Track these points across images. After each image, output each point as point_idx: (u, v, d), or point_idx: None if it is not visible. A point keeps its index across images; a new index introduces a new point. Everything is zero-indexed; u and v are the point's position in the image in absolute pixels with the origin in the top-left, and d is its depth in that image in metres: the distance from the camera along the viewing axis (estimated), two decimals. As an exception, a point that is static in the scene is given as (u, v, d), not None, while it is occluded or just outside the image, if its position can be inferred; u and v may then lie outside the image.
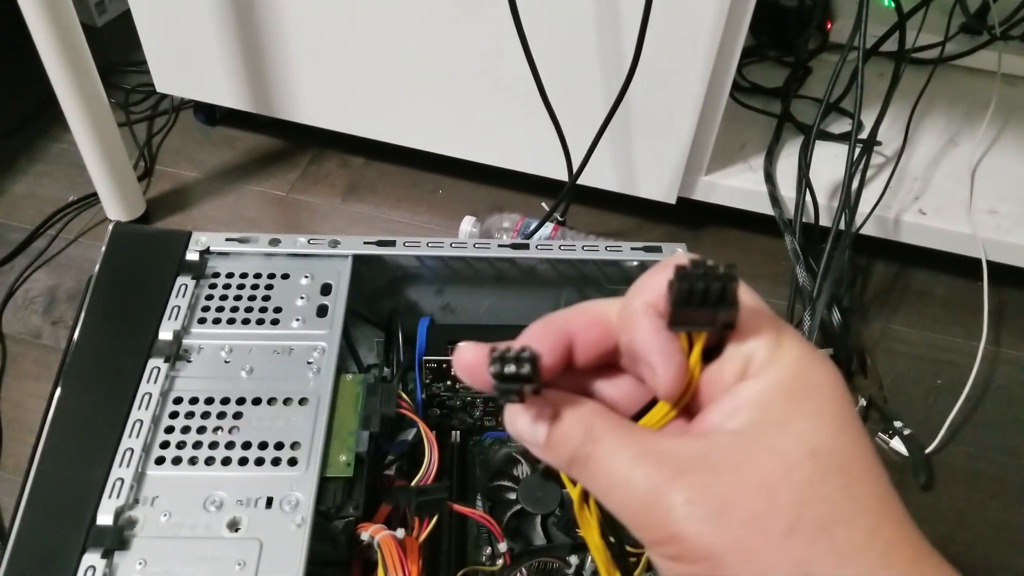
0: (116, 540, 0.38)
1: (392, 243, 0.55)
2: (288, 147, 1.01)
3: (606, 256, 0.56)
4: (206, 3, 0.84)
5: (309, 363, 0.48)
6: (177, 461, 0.42)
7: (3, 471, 0.68)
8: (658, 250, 0.56)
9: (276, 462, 0.42)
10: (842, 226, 0.80)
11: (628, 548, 0.26)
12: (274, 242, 0.54)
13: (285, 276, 0.53)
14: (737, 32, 0.73)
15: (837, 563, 0.17)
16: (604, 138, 0.78)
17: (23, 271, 0.84)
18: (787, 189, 0.87)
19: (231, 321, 0.50)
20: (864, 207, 0.83)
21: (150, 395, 0.45)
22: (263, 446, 0.43)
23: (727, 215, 0.92)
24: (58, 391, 0.45)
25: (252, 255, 0.54)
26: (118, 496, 0.40)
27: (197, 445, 0.43)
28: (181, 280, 0.51)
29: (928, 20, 0.84)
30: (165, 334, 0.48)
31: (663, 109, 0.80)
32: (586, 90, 0.80)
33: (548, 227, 0.84)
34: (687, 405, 0.21)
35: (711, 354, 0.20)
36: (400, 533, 0.41)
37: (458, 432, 0.54)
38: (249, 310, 0.51)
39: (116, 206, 0.87)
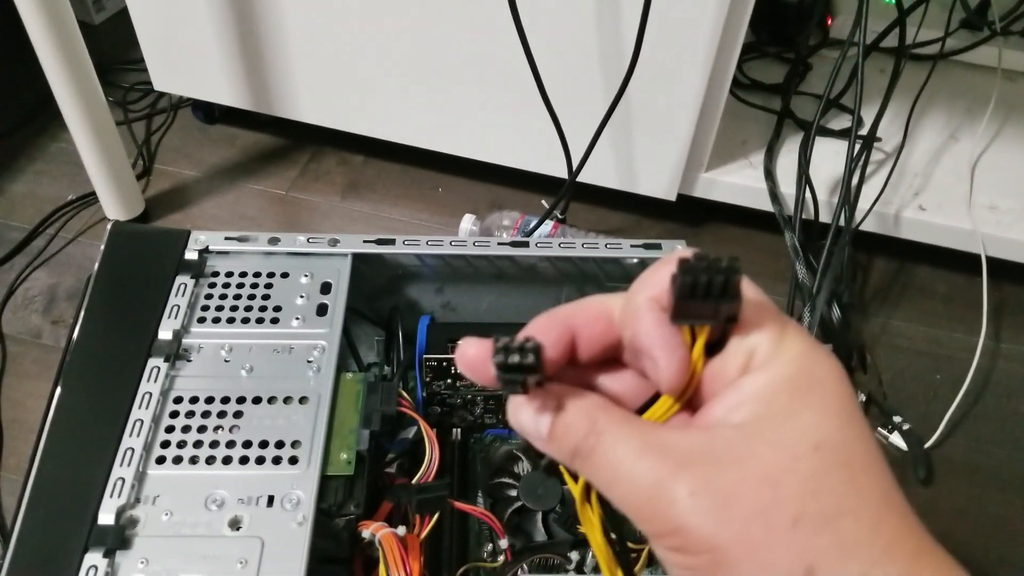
0: (118, 539, 0.38)
1: (392, 241, 0.55)
2: (287, 145, 1.01)
3: (606, 253, 0.56)
4: (204, 1, 0.84)
5: (309, 362, 0.48)
6: (178, 460, 0.42)
7: (4, 471, 0.68)
8: (658, 247, 0.56)
9: (277, 461, 0.43)
10: (842, 222, 0.80)
11: (630, 544, 0.26)
12: (273, 241, 0.54)
13: (285, 275, 0.53)
14: (737, 28, 0.73)
15: (841, 556, 0.17)
16: (604, 135, 0.78)
17: (22, 270, 0.84)
18: (787, 186, 0.87)
19: (231, 320, 0.50)
20: (864, 203, 0.83)
21: (150, 394, 0.45)
22: (264, 445, 0.43)
23: (727, 212, 0.92)
24: (58, 391, 0.45)
25: (251, 254, 0.54)
26: (119, 495, 0.40)
27: (198, 444, 0.43)
28: (180, 279, 0.51)
29: (928, 16, 0.83)
30: (165, 333, 0.48)
31: (663, 106, 0.80)
32: (586, 87, 0.80)
33: (548, 225, 0.84)
34: (690, 399, 0.21)
35: (714, 348, 0.20)
36: (401, 530, 0.41)
37: (459, 430, 0.54)
38: (249, 309, 0.51)
39: (115, 205, 0.87)
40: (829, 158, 0.89)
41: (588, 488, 0.24)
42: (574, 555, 0.43)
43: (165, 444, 0.43)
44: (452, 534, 0.46)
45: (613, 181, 0.88)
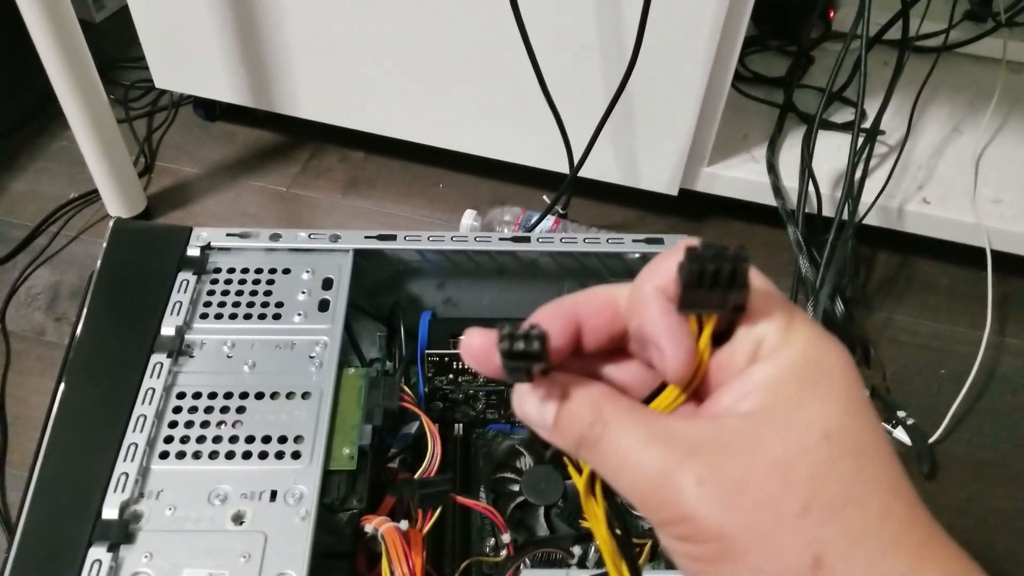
0: (122, 534, 0.39)
1: (393, 237, 0.55)
2: (288, 142, 1.01)
3: (608, 248, 0.56)
4: (205, -2, 0.84)
5: (311, 357, 0.48)
6: (181, 455, 0.43)
7: (9, 466, 0.68)
8: (660, 242, 0.56)
9: (280, 455, 0.43)
10: (845, 216, 0.80)
11: (634, 539, 0.26)
12: (275, 237, 0.54)
13: (286, 271, 0.53)
14: (739, 21, 0.73)
15: (850, 544, 0.17)
16: (605, 130, 0.78)
17: (25, 268, 0.84)
18: (790, 179, 0.86)
19: (233, 316, 0.50)
20: (867, 197, 0.82)
21: (153, 390, 0.45)
22: (266, 440, 0.43)
23: (729, 207, 0.91)
24: (62, 387, 0.45)
25: (253, 250, 0.54)
26: (123, 490, 0.40)
27: (201, 439, 0.43)
28: (182, 276, 0.52)
29: (932, 7, 0.83)
30: (167, 329, 0.48)
31: (665, 100, 0.79)
32: (587, 82, 0.79)
33: (549, 220, 0.84)
34: (696, 390, 0.21)
35: (721, 339, 0.20)
36: (404, 525, 0.41)
37: (461, 425, 0.55)
38: (251, 305, 0.51)
39: (117, 202, 0.87)
40: (832, 152, 0.88)
41: (592, 481, 0.24)
42: (576, 550, 0.43)
43: (168, 439, 0.43)
44: (454, 529, 0.46)
45: (615, 176, 0.88)
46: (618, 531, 0.24)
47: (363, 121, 0.92)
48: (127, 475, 0.41)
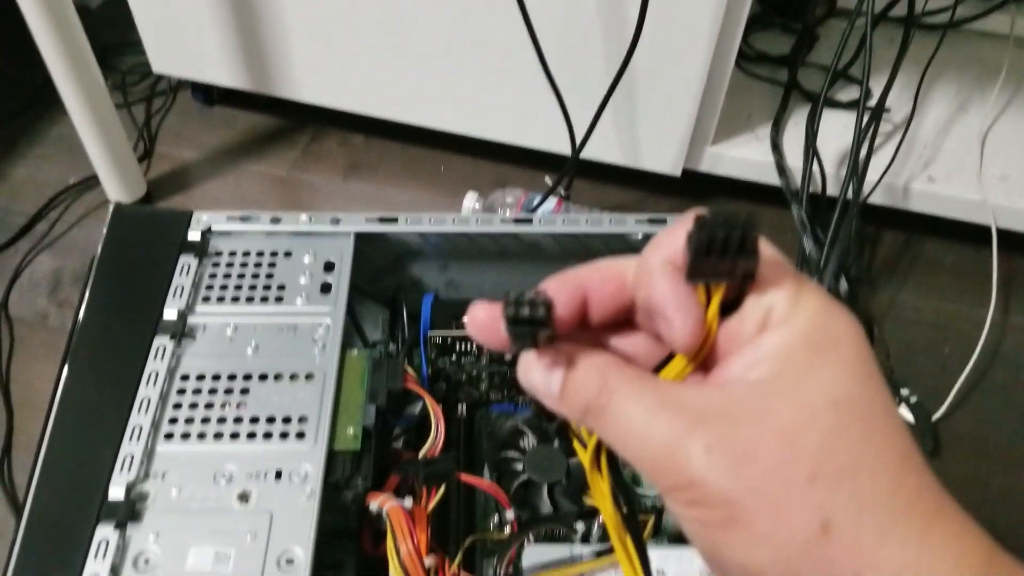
0: (128, 513, 0.39)
1: (394, 220, 0.55)
2: (287, 126, 1.01)
3: (610, 229, 0.56)
4: (202, -20, 0.83)
5: (314, 340, 0.48)
6: (186, 436, 0.43)
7: (15, 450, 0.69)
8: (663, 222, 0.55)
9: (284, 436, 0.43)
10: (850, 195, 0.79)
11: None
12: (275, 220, 0.54)
13: (287, 254, 0.53)
14: (741, -2, 0.72)
15: (859, 511, 0.17)
16: (607, 110, 0.77)
17: (27, 254, 0.84)
18: (794, 159, 0.86)
19: (235, 299, 0.50)
20: (872, 175, 0.82)
21: (157, 373, 0.45)
22: (271, 421, 0.43)
23: (732, 188, 0.91)
24: (65, 371, 0.45)
25: (254, 234, 0.54)
26: (129, 471, 0.41)
27: (205, 420, 0.43)
28: (184, 259, 0.51)
29: (937, -18, 0.82)
30: (170, 313, 0.48)
31: (668, 79, 0.79)
32: (588, 62, 0.79)
33: (551, 202, 0.84)
34: (704, 361, 0.20)
35: (728, 310, 0.20)
36: (408, 503, 0.41)
37: (464, 405, 0.55)
38: (252, 288, 0.51)
39: (117, 188, 0.87)
40: (837, 130, 0.88)
41: (598, 455, 0.24)
42: (580, 526, 0.43)
43: (173, 421, 0.43)
44: (459, 506, 0.47)
45: (617, 157, 0.87)
46: (623, 505, 0.24)
47: (363, 104, 0.91)
48: (132, 456, 0.41)
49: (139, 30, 0.91)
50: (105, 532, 0.38)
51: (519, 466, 0.48)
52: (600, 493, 0.24)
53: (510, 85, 0.84)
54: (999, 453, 0.74)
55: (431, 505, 0.42)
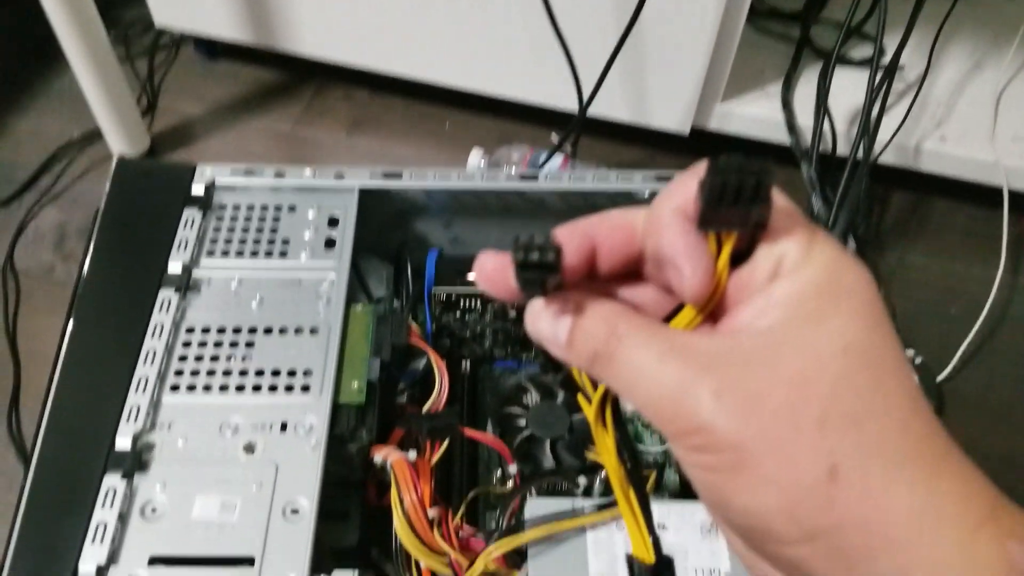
0: (135, 463, 0.39)
1: (399, 175, 0.54)
2: (291, 80, 0.99)
3: (617, 186, 0.55)
4: (201, -73, 0.81)
5: (319, 294, 0.48)
6: (192, 388, 0.43)
7: (24, 400, 0.69)
8: (671, 179, 0.55)
9: (289, 388, 0.43)
10: (860, 154, 0.78)
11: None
12: (279, 175, 0.54)
13: (292, 208, 0.52)
14: (756, -52, 0.69)
15: (866, 456, 0.17)
16: (615, 66, 0.75)
17: (31, 208, 0.84)
18: (805, 117, 0.84)
19: (239, 253, 0.50)
20: (884, 135, 0.80)
21: (162, 325, 0.45)
22: (276, 373, 0.44)
23: (741, 147, 0.90)
24: (71, 324, 0.45)
25: (258, 188, 0.53)
26: (135, 421, 0.41)
27: (211, 373, 0.44)
28: (188, 213, 0.51)
29: (959, -66, 0.79)
30: (174, 266, 0.48)
31: (677, 34, 0.77)
32: (597, 15, 0.77)
33: (558, 159, 0.83)
34: (713, 312, 0.20)
35: (738, 260, 0.20)
36: (412, 455, 0.42)
37: (468, 361, 0.55)
38: (257, 242, 0.50)
39: (120, 141, 0.86)
40: (849, 88, 0.86)
41: (603, 409, 0.24)
42: (582, 480, 0.43)
43: (179, 373, 0.44)
44: (462, 460, 0.47)
45: (625, 114, 0.86)
46: (627, 460, 0.25)
47: (367, 59, 0.90)
48: (139, 407, 0.42)
49: (138, -20, 0.89)
50: (112, 481, 0.39)
51: (522, 422, 0.48)
52: (604, 447, 0.24)
53: (517, 40, 0.82)
54: (1003, 414, 0.74)
55: (435, 459, 0.42)
